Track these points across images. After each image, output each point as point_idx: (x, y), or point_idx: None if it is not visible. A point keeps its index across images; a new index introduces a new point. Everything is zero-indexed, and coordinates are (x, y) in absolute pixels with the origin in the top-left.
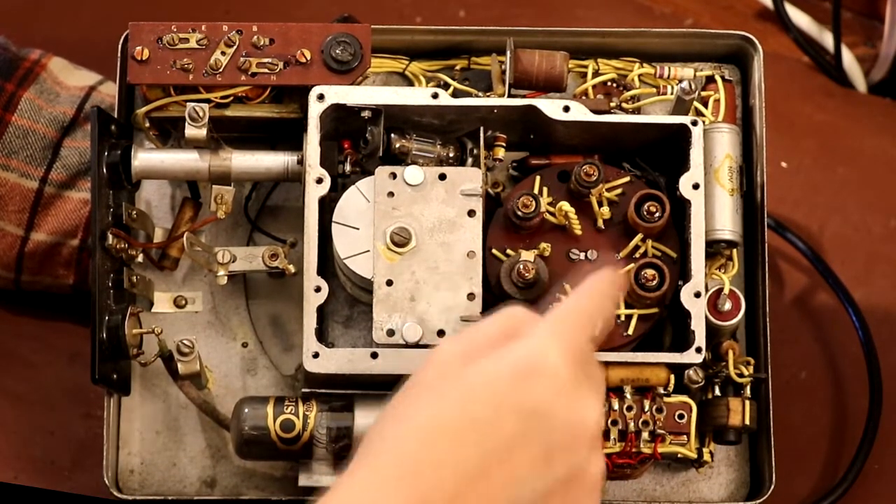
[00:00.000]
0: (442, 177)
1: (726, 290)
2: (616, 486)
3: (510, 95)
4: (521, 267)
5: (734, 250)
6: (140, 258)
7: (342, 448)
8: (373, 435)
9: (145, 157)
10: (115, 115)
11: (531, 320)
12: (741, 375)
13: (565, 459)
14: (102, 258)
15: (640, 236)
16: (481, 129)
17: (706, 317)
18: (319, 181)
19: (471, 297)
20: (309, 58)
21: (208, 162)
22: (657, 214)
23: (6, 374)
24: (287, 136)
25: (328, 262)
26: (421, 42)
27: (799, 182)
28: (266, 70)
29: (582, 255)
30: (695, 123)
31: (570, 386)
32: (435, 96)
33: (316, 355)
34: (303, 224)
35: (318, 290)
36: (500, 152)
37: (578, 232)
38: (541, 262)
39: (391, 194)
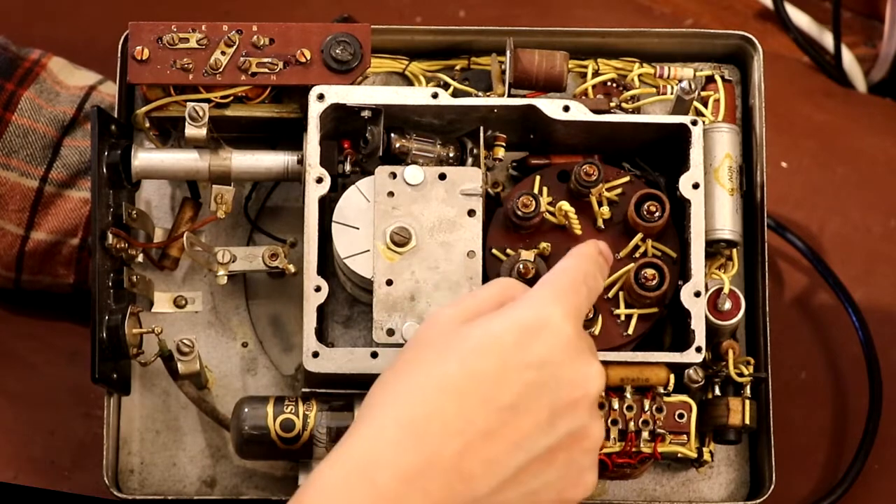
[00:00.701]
0: (442, 176)
1: (726, 290)
2: (616, 486)
3: (510, 95)
4: (521, 267)
5: (734, 250)
6: (140, 258)
7: None
8: (375, 392)
9: (145, 157)
10: (116, 115)
11: (524, 289)
12: (741, 375)
13: (569, 418)
14: (102, 258)
15: (639, 236)
16: (481, 128)
17: (706, 316)
18: (319, 181)
19: None
20: (309, 57)
21: (208, 162)
22: (657, 214)
23: (6, 374)
24: (287, 135)
25: (328, 262)
26: (421, 42)
27: (799, 182)
28: (266, 70)
29: None
30: (694, 123)
31: (574, 345)
32: (435, 96)
33: (316, 355)
34: (303, 224)
35: (318, 289)
36: (500, 152)
37: (578, 232)
38: (541, 262)
39: (391, 194)
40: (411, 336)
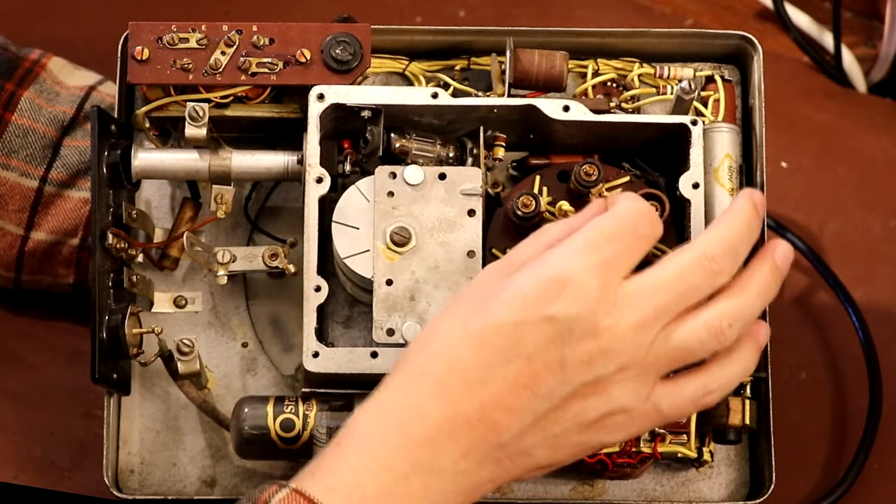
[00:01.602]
0: (442, 176)
1: None
2: (616, 486)
3: (510, 95)
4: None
5: None
6: (140, 258)
7: None
8: (417, 338)
9: (145, 157)
10: (115, 115)
11: (566, 233)
12: None
13: (582, 370)
14: (102, 258)
15: None
16: (481, 128)
17: None
18: (319, 181)
19: None
20: (309, 57)
21: (208, 162)
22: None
23: (6, 374)
24: (287, 135)
25: (328, 262)
26: (421, 42)
27: (799, 182)
28: (266, 70)
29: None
30: (694, 123)
31: (595, 298)
32: (435, 96)
33: (316, 355)
34: (303, 224)
35: (318, 289)
36: (500, 152)
37: None
38: None
39: (391, 194)
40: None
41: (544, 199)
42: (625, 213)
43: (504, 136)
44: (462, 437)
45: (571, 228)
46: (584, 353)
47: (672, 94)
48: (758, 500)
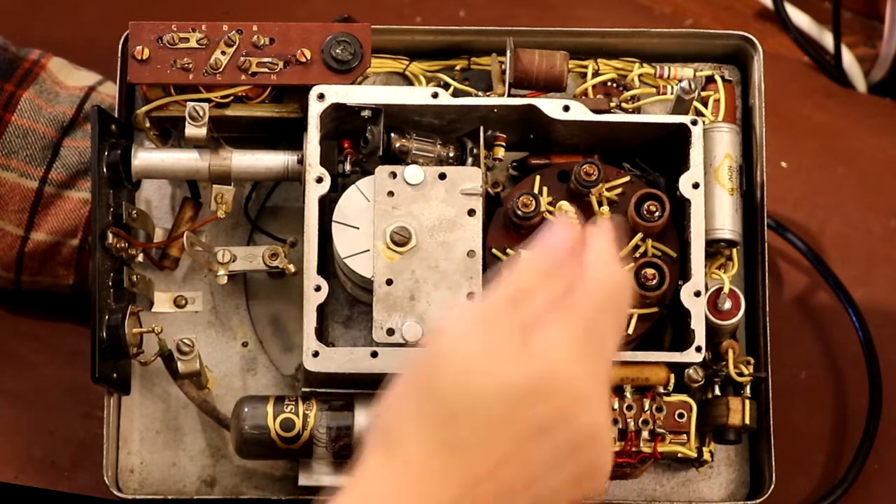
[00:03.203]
0: (442, 176)
1: (726, 290)
2: (616, 486)
3: (510, 95)
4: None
5: (734, 250)
6: (140, 257)
7: (342, 447)
8: (392, 433)
9: (145, 157)
10: (116, 115)
11: (537, 279)
12: (741, 375)
13: (574, 459)
14: (102, 257)
15: (639, 236)
16: (481, 128)
17: (706, 316)
18: (319, 180)
19: (470, 296)
20: (309, 57)
21: (208, 161)
22: (657, 214)
23: (6, 374)
24: (287, 135)
25: (328, 262)
26: (421, 42)
27: (799, 182)
28: (266, 69)
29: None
30: (694, 123)
31: (581, 394)
32: (435, 96)
33: (316, 354)
34: (303, 224)
35: (318, 289)
36: (500, 152)
37: None
38: None
39: (391, 194)
40: (420, 368)
41: (544, 199)
42: (600, 292)
43: (504, 135)
44: None
45: (544, 276)
46: (574, 439)
47: (672, 94)
48: (758, 500)
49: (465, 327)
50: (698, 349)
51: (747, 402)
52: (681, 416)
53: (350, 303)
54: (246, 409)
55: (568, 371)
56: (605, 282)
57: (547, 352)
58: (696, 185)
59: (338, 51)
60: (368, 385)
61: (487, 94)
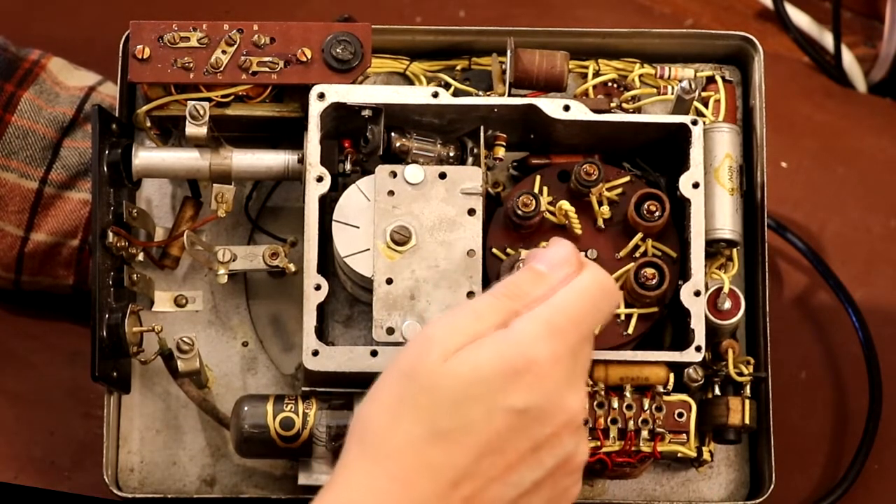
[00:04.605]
0: (442, 176)
1: (726, 290)
2: (616, 486)
3: (510, 95)
4: (521, 266)
5: (734, 250)
6: (140, 257)
7: (342, 446)
8: (369, 431)
9: (146, 156)
10: (116, 115)
11: (532, 285)
12: (741, 374)
13: (553, 451)
14: (103, 256)
15: (640, 235)
16: (482, 128)
17: (706, 316)
18: (320, 180)
19: (470, 295)
20: (309, 57)
21: (209, 160)
22: (657, 214)
23: (6, 374)
24: (288, 134)
25: (328, 262)
26: (421, 42)
27: (799, 182)
28: (267, 69)
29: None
30: (695, 123)
31: (560, 383)
32: (435, 95)
33: (316, 353)
34: (303, 223)
35: (318, 287)
36: (501, 152)
37: (578, 231)
38: None
39: (391, 193)
40: (402, 358)
41: (544, 199)
42: (589, 292)
43: (504, 135)
44: None
45: (547, 283)
46: (553, 434)
47: (672, 94)
48: (758, 500)
49: (451, 318)
50: (698, 349)
51: (747, 401)
52: (680, 415)
53: (350, 302)
54: (246, 408)
55: (543, 355)
56: (593, 282)
57: (524, 336)
58: (696, 185)
59: (338, 50)
60: (368, 384)
61: (488, 93)
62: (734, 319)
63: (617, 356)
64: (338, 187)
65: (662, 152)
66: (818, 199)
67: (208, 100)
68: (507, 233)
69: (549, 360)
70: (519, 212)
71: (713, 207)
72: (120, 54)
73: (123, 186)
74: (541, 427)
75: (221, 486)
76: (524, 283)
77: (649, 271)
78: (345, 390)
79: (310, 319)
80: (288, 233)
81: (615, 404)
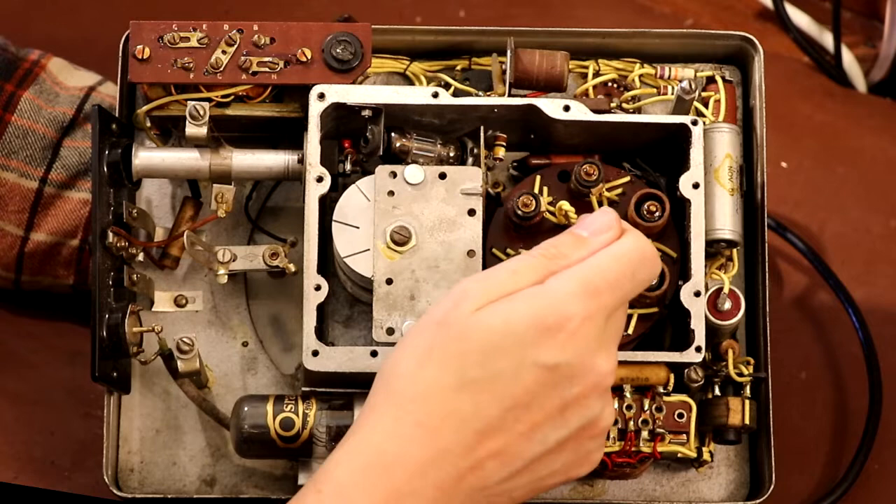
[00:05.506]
0: (442, 176)
1: (726, 290)
2: (616, 486)
3: (511, 95)
4: None
5: (734, 250)
6: (140, 257)
7: None
8: (395, 376)
9: (146, 156)
10: (116, 115)
11: (574, 248)
12: (741, 375)
13: (580, 412)
14: (103, 256)
15: None
16: (482, 128)
17: (706, 316)
18: (320, 180)
19: None
20: (309, 57)
21: (209, 161)
22: (657, 214)
23: (6, 374)
24: (288, 135)
25: (328, 262)
26: (421, 42)
27: (799, 182)
28: (267, 69)
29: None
30: (695, 123)
31: (591, 343)
32: (435, 95)
33: (316, 353)
34: (303, 223)
35: (318, 288)
36: (501, 152)
37: None
38: None
39: (391, 193)
40: (437, 308)
41: (544, 199)
42: (627, 257)
43: (505, 135)
44: (448, 484)
45: (587, 247)
46: (581, 394)
47: (673, 94)
48: (758, 501)
49: (487, 273)
50: (698, 349)
51: (747, 402)
52: (680, 416)
53: (350, 302)
54: (246, 409)
55: (576, 313)
56: (633, 248)
57: (558, 293)
58: (696, 186)
59: (338, 50)
60: (368, 384)
61: (488, 94)
62: (734, 320)
63: (617, 356)
64: (338, 187)
65: (662, 152)
66: (818, 199)
67: (208, 100)
68: (507, 233)
69: (582, 318)
70: (519, 212)
71: (713, 208)
72: (120, 54)
73: (123, 186)
74: (569, 385)
75: (221, 486)
76: (563, 245)
77: None
78: (345, 390)
79: (310, 320)
80: (288, 233)
81: (615, 405)
